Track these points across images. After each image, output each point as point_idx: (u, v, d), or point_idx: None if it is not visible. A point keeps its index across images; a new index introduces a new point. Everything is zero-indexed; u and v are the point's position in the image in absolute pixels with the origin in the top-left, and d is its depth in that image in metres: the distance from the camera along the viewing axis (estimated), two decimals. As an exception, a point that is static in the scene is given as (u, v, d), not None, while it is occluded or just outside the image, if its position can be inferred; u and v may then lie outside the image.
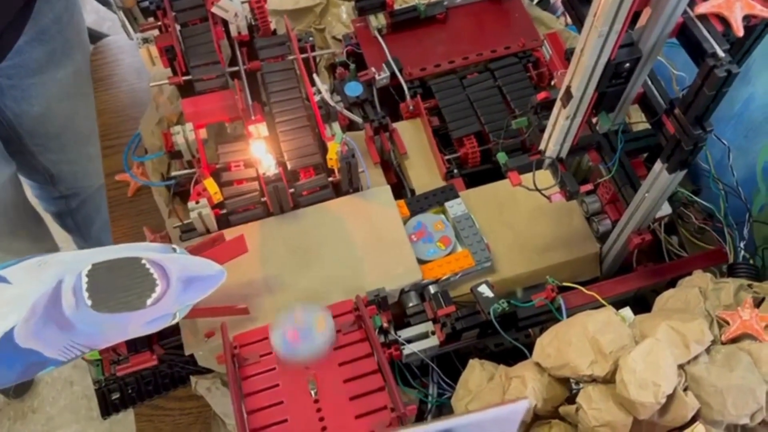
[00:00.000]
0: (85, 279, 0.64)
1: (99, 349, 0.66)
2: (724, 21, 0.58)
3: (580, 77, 0.61)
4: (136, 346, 0.72)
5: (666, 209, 0.77)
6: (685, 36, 0.60)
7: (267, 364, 0.67)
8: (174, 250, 0.69)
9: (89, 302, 0.63)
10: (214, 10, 0.87)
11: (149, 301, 0.63)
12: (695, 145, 0.63)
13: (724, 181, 0.83)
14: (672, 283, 0.78)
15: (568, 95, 0.64)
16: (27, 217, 1.42)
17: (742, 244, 0.80)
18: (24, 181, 1.40)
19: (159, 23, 0.91)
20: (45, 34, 1.16)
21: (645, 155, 0.85)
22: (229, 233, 0.77)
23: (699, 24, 0.58)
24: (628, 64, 0.62)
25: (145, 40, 0.89)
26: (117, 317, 0.63)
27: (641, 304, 0.82)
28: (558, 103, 0.66)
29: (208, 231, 0.80)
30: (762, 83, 0.83)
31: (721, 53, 0.57)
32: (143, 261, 0.65)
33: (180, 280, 0.65)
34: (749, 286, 0.70)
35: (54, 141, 1.32)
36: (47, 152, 1.34)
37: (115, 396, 0.84)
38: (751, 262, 0.80)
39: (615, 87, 0.64)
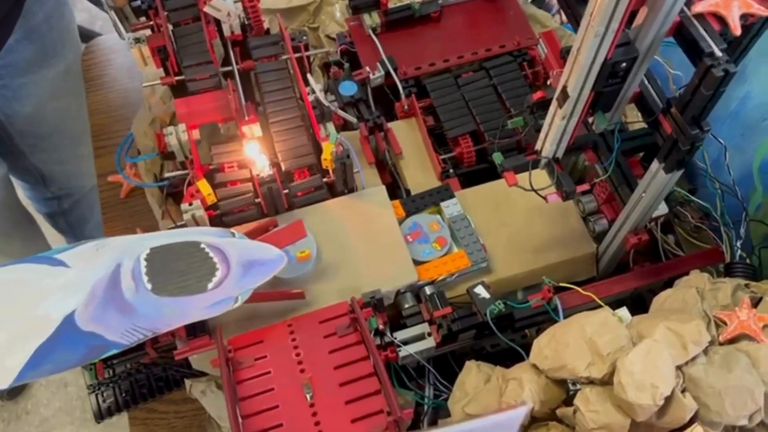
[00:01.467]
0: (143, 263, 0.65)
1: (161, 332, 0.66)
2: (721, 20, 0.58)
3: (576, 77, 0.61)
4: (195, 330, 0.71)
5: (663, 209, 0.77)
6: (682, 35, 0.59)
7: (262, 368, 0.66)
8: (233, 234, 0.69)
9: (149, 286, 0.63)
10: (206, 9, 0.87)
11: (210, 285, 0.64)
12: (692, 145, 0.62)
13: (720, 180, 0.83)
14: (669, 283, 0.77)
15: (564, 95, 0.63)
16: (19, 218, 1.41)
17: (738, 244, 0.80)
18: (15, 182, 1.39)
19: (151, 23, 0.90)
20: (35, 33, 1.15)
21: (641, 154, 0.84)
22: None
23: (696, 23, 0.58)
24: (624, 64, 0.61)
25: (137, 40, 0.88)
26: (178, 301, 0.64)
27: (638, 303, 0.82)
28: (554, 103, 0.66)
29: (201, 233, 0.79)
30: (758, 82, 0.83)
31: (718, 52, 0.56)
32: (202, 245, 0.66)
33: (240, 265, 0.65)
34: (746, 285, 0.70)
35: (45, 141, 1.31)
36: (39, 152, 1.33)
37: (109, 400, 0.84)
38: (748, 261, 0.80)
39: (611, 86, 0.64)
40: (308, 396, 0.64)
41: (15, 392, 1.76)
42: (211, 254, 0.66)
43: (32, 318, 0.63)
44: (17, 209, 1.40)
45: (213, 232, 0.69)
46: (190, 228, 0.72)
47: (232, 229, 0.71)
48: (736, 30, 0.56)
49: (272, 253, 0.68)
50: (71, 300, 0.63)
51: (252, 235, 0.71)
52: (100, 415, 0.84)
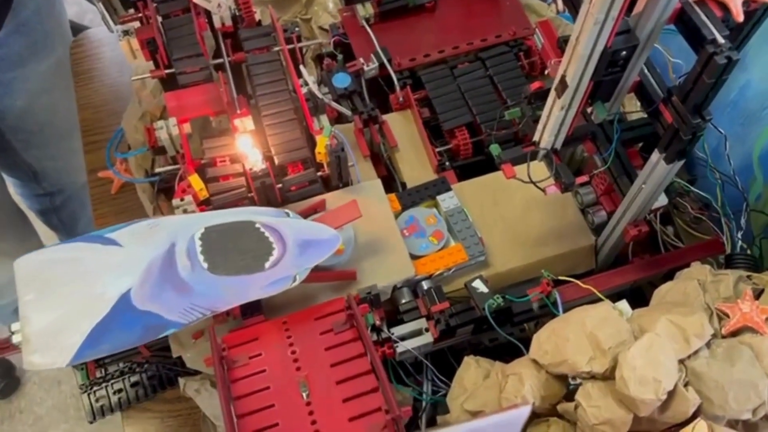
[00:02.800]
0: (198, 242, 0.65)
1: (220, 311, 0.65)
2: (723, 6, 0.57)
3: (575, 66, 0.60)
4: (249, 310, 0.70)
5: (662, 200, 0.76)
6: (684, 22, 0.58)
7: (257, 366, 0.64)
8: (287, 214, 0.69)
9: (205, 265, 0.64)
10: (196, 0, 0.85)
11: (268, 264, 0.64)
12: (694, 135, 0.61)
13: (720, 169, 0.82)
14: (669, 275, 0.76)
15: (563, 85, 0.62)
16: (12, 216, 1.39)
17: (739, 234, 0.79)
18: (6, 179, 1.37)
19: (140, 15, 0.89)
20: (25, 26, 1.13)
21: (640, 145, 0.83)
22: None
23: (698, 9, 0.57)
24: (624, 52, 0.60)
25: (126, 33, 0.86)
26: (236, 280, 0.64)
27: (637, 296, 0.81)
28: (552, 93, 0.65)
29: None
30: (758, 70, 0.82)
31: (720, 39, 0.55)
32: (257, 225, 0.66)
33: (296, 244, 0.66)
34: (748, 277, 0.69)
35: (37, 136, 1.29)
36: (30, 148, 1.31)
37: (102, 399, 0.82)
38: (749, 252, 0.79)
39: (611, 76, 0.62)
40: (304, 394, 0.62)
41: (8, 391, 1.74)
42: (267, 234, 0.66)
43: (87, 297, 0.64)
44: (10, 207, 1.38)
45: (268, 212, 0.70)
46: (244, 208, 0.72)
47: (287, 209, 0.71)
48: (739, 16, 0.55)
49: (327, 233, 0.68)
50: (126, 279, 0.64)
51: (302, 215, 0.72)
52: (93, 415, 0.82)
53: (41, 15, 1.16)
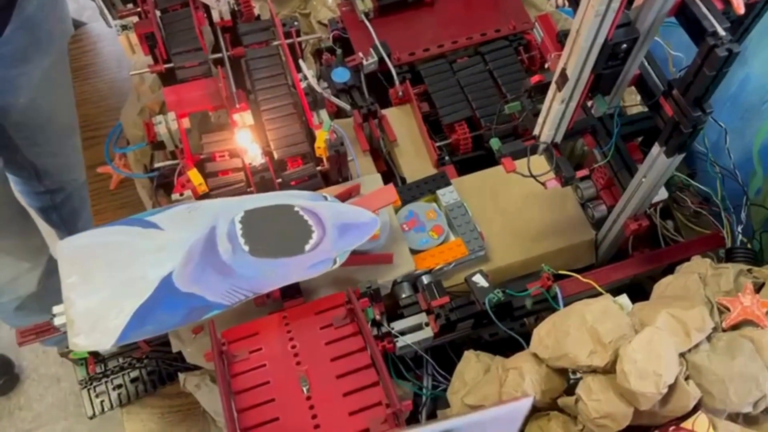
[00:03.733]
0: (239, 225, 0.66)
1: (261, 293, 0.66)
2: (724, -2, 0.56)
3: (575, 59, 0.59)
4: (291, 292, 0.70)
5: (662, 194, 0.76)
6: (684, 14, 0.58)
7: (257, 361, 0.64)
8: (325, 198, 0.70)
9: (246, 248, 0.65)
10: (195, -5, 0.85)
11: (308, 247, 0.65)
12: (694, 128, 0.61)
13: (720, 163, 0.82)
14: (669, 269, 0.76)
15: (563, 78, 0.62)
16: (15, 213, 1.39)
17: (739, 228, 0.78)
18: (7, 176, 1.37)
19: (138, 9, 0.88)
20: (30, 22, 1.13)
21: (640, 139, 0.83)
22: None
23: (698, 2, 0.56)
24: (625, 45, 0.60)
25: (124, 27, 0.86)
26: (277, 262, 0.65)
27: (637, 290, 0.80)
28: (553, 87, 0.64)
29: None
30: (758, 64, 0.81)
31: (721, 32, 0.55)
32: (296, 208, 0.67)
33: (335, 227, 0.66)
34: (749, 271, 0.69)
35: (39, 133, 1.29)
36: (32, 146, 1.31)
37: (102, 395, 0.82)
38: (749, 246, 0.79)
39: (612, 69, 0.62)
40: (305, 389, 0.62)
41: (7, 388, 1.74)
42: (306, 217, 0.67)
43: (129, 279, 0.65)
44: (13, 204, 1.38)
45: (306, 196, 0.70)
46: (282, 191, 0.73)
47: (324, 193, 0.72)
48: (740, 8, 0.55)
49: (366, 216, 0.69)
50: (168, 261, 0.65)
51: (338, 199, 0.72)
52: (93, 411, 0.82)
53: (45, 11, 1.16)
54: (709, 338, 0.62)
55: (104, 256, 0.67)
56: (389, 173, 0.89)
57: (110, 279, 0.66)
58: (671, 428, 0.60)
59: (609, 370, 0.61)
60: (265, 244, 0.65)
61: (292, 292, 0.71)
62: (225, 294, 0.64)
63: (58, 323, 0.67)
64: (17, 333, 0.71)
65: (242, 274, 0.64)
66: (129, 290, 0.65)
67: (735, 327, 0.64)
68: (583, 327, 0.62)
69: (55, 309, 0.67)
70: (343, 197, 0.73)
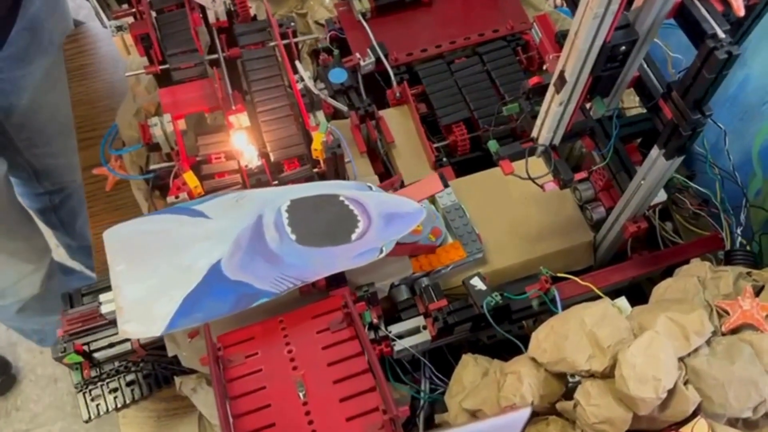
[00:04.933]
0: (285, 214, 0.67)
1: (309, 281, 0.66)
2: (724, 0, 0.56)
3: (574, 61, 0.59)
4: (336, 281, 0.70)
5: (661, 195, 0.75)
6: (684, 16, 0.57)
7: (253, 366, 0.64)
8: (370, 188, 0.71)
9: (293, 237, 0.65)
10: (190, -5, 0.84)
11: (354, 236, 0.66)
12: (694, 131, 0.61)
13: (719, 165, 0.81)
14: (668, 272, 0.76)
15: (561, 80, 0.61)
16: (20, 216, 1.38)
17: (738, 230, 0.78)
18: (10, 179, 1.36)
19: (133, 10, 0.88)
20: (32, 22, 1.12)
21: (638, 140, 0.82)
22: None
23: (698, 4, 0.56)
24: (624, 47, 0.59)
25: (119, 28, 0.85)
26: (324, 251, 0.65)
27: (636, 292, 0.80)
28: (551, 89, 0.64)
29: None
30: (758, 65, 0.81)
31: (721, 34, 0.54)
32: (341, 198, 0.68)
33: (381, 217, 0.67)
34: (748, 273, 0.69)
35: (39, 134, 1.28)
36: (33, 147, 1.30)
37: (98, 399, 0.82)
38: (748, 248, 0.78)
39: (610, 71, 0.62)
40: (301, 394, 0.62)
41: (4, 388, 1.73)
42: (351, 206, 0.67)
43: (177, 267, 0.65)
44: (17, 207, 1.37)
45: (351, 185, 0.71)
46: (328, 181, 0.74)
47: (368, 183, 0.72)
48: (740, 11, 0.54)
49: (411, 206, 0.69)
50: (216, 250, 0.66)
51: (385, 189, 0.73)
52: (89, 415, 0.82)
53: (48, 10, 1.15)
54: (708, 342, 0.61)
55: (152, 244, 0.68)
56: (387, 175, 0.88)
57: (158, 267, 0.66)
58: (670, 433, 0.59)
59: (608, 374, 0.60)
60: (311, 233, 0.66)
61: (338, 281, 0.70)
62: (274, 282, 0.65)
63: (105, 311, 0.68)
64: (63, 320, 0.71)
65: (290, 262, 0.65)
66: (177, 278, 0.65)
67: (734, 331, 0.63)
68: (582, 331, 0.62)
69: (102, 297, 0.68)
70: (385, 188, 0.74)
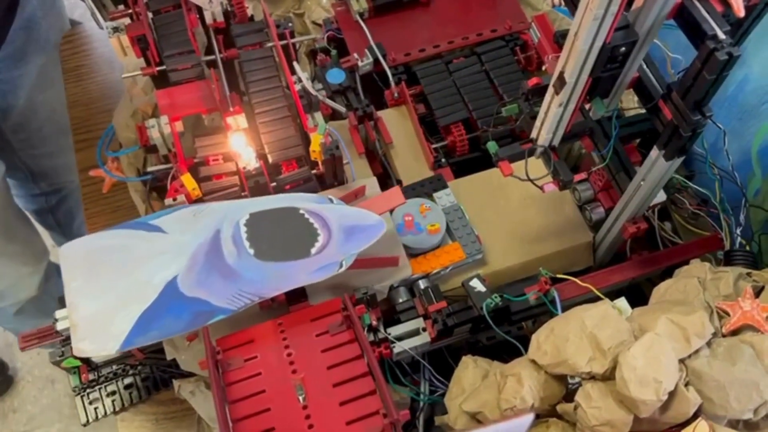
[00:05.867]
0: (243, 228, 0.65)
1: (267, 297, 0.65)
2: (724, 1, 0.56)
3: (573, 62, 0.59)
4: (296, 296, 0.70)
5: (661, 196, 0.75)
6: (684, 17, 0.57)
7: (252, 369, 0.64)
8: (330, 200, 0.70)
9: (251, 251, 0.64)
10: (187, -4, 0.84)
11: (314, 250, 0.64)
12: (694, 131, 0.61)
13: (718, 165, 0.81)
14: (667, 272, 0.76)
15: (561, 81, 0.61)
16: (18, 218, 1.37)
17: (738, 230, 0.78)
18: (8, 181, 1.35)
19: (129, 11, 0.87)
20: (29, 21, 1.11)
21: (638, 141, 0.82)
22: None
23: (698, 4, 0.56)
24: (624, 48, 0.59)
25: (116, 29, 0.85)
26: (283, 266, 0.64)
27: (635, 292, 0.80)
28: (550, 90, 0.64)
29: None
30: (757, 64, 0.81)
31: (721, 35, 0.54)
32: (301, 211, 0.67)
33: (341, 230, 0.66)
34: (748, 274, 0.68)
35: (36, 135, 1.27)
36: (29, 148, 1.29)
37: (96, 402, 0.82)
38: (748, 248, 0.78)
39: (610, 72, 0.61)
40: (301, 398, 0.61)
41: (1, 390, 1.73)
42: (311, 220, 0.66)
43: (134, 284, 0.64)
44: (14, 208, 1.37)
45: (311, 198, 0.70)
46: (288, 194, 0.72)
47: (329, 195, 0.71)
48: (740, 11, 0.54)
49: (372, 218, 0.68)
50: (172, 266, 0.64)
51: (344, 201, 0.72)
52: (87, 418, 0.81)
53: (44, 9, 1.14)
54: (709, 344, 0.61)
55: (108, 260, 0.67)
56: (385, 176, 0.88)
57: (114, 283, 0.65)
58: (671, 435, 0.59)
59: (608, 376, 0.60)
60: (270, 248, 0.64)
61: (298, 296, 0.70)
62: (230, 298, 0.63)
63: (60, 328, 0.66)
64: (19, 338, 0.70)
65: (248, 277, 0.64)
66: (134, 294, 0.64)
67: (735, 332, 0.63)
68: (582, 333, 0.62)
69: (58, 313, 0.66)
70: (348, 200, 0.73)
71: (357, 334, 0.65)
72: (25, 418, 1.71)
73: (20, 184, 1.40)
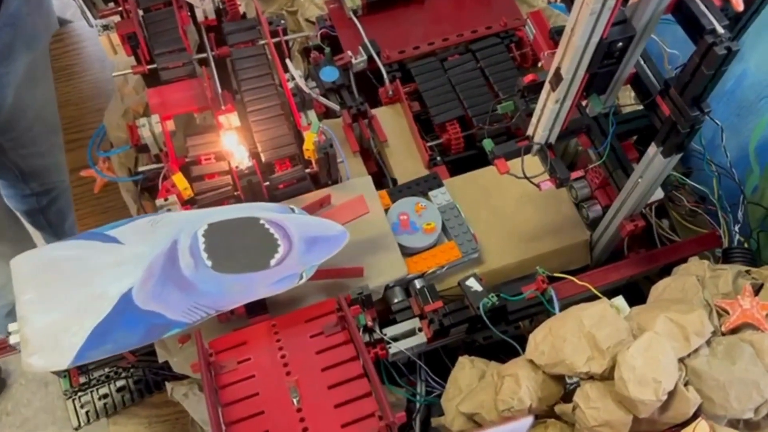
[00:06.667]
0: (201, 239, 0.63)
1: (224, 310, 0.63)
2: (722, -5, 0.55)
3: (570, 58, 0.58)
4: (256, 309, 0.68)
5: (658, 193, 0.74)
6: (682, 12, 0.56)
7: (245, 372, 0.63)
8: (292, 210, 0.68)
9: (209, 263, 0.62)
10: (178, -7, 0.83)
11: (273, 262, 0.62)
12: (692, 128, 0.60)
13: (716, 161, 0.80)
14: (665, 270, 0.75)
15: (557, 78, 0.60)
16: (7, 218, 1.36)
17: (736, 227, 0.77)
18: None
19: (119, 8, 0.86)
20: (15, 17, 1.10)
21: (635, 137, 0.81)
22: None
23: (696, -1, 0.55)
24: (621, 43, 0.58)
25: (105, 27, 0.84)
26: (241, 278, 0.62)
27: (633, 290, 0.79)
28: (546, 87, 0.63)
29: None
30: (755, 59, 0.80)
31: (720, 29, 0.53)
32: (262, 221, 0.64)
33: (303, 241, 0.64)
34: (747, 272, 0.68)
35: (26, 134, 1.26)
36: (19, 147, 1.28)
37: (87, 406, 0.80)
38: (746, 245, 0.77)
39: (607, 67, 0.61)
40: (295, 400, 0.60)
41: (-6, 393, 1.71)
42: (272, 230, 0.64)
43: (88, 296, 0.62)
44: (4, 209, 1.35)
45: (272, 208, 0.68)
46: (248, 203, 0.70)
47: (292, 205, 0.70)
48: (739, 6, 0.53)
49: (335, 229, 0.66)
50: (127, 278, 0.62)
51: (308, 210, 0.70)
52: (78, 422, 0.80)
53: (30, 5, 1.13)
54: (708, 343, 0.60)
55: (62, 272, 0.64)
56: (380, 174, 0.87)
57: (67, 296, 0.63)
58: (671, 435, 0.58)
59: (607, 376, 0.59)
60: (228, 259, 0.62)
61: (258, 308, 0.68)
62: (186, 311, 0.61)
63: (13, 342, 0.63)
64: None
65: (204, 290, 0.62)
66: (87, 307, 0.62)
67: (734, 330, 0.63)
68: (580, 332, 0.61)
69: (11, 327, 0.64)
70: (314, 208, 0.71)
71: (352, 335, 0.64)
72: (19, 420, 1.70)
73: (10, 185, 1.38)
